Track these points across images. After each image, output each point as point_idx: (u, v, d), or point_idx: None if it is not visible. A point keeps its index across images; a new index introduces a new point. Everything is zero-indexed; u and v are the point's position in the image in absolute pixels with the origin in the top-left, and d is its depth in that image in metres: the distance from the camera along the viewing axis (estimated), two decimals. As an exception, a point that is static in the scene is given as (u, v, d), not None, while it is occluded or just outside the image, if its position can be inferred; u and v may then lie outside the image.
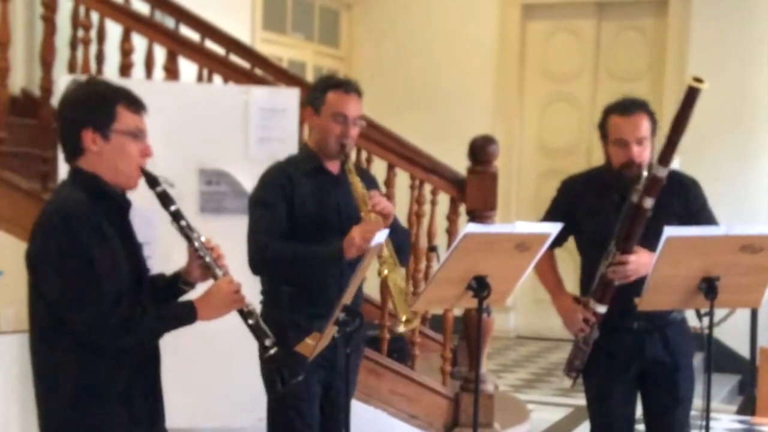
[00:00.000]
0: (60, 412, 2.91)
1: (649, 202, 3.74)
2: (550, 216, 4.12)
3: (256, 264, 3.68)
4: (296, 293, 3.71)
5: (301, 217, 3.71)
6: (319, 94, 3.80)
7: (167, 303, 3.06)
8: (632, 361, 3.94)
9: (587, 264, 3.99)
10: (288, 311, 3.69)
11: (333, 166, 3.83)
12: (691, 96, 3.66)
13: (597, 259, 3.85)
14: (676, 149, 3.73)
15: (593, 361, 3.98)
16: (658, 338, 3.93)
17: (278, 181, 3.73)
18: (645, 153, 3.84)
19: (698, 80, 3.64)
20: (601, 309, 3.87)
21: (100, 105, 2.93)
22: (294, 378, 3.15)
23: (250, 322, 3.07)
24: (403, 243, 3.91)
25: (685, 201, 3.92)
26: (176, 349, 3.21)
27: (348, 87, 3.80)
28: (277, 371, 3.12)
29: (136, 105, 2.98)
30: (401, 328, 3.76)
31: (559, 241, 4.09)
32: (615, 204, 3.86)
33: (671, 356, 3.93)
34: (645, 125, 3.85)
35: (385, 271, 3.70)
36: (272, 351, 3.07)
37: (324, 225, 3.73)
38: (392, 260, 3.71)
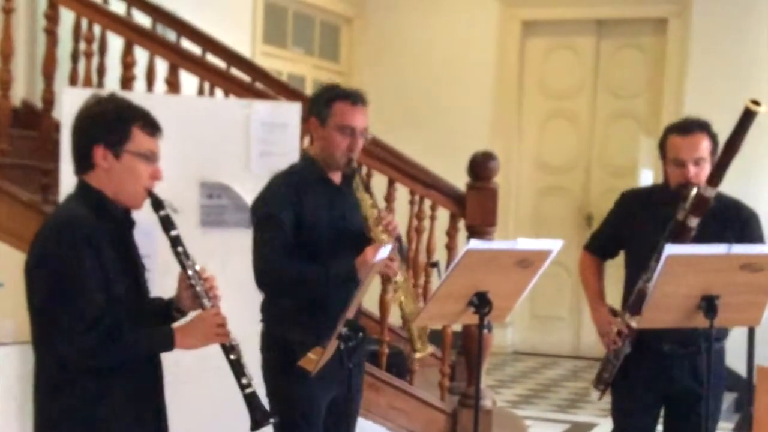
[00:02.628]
0: (55, 424, 2.90)
1: (693, 222, 3.72)
2: (603, 226, 4.17)
3: (265, 283, 3.64)
4: (298, 309, 3.69)
5: (308, 229, 3.66)
6: (324, 105, 3.72)
7: (147, 327, 3.03)
8: (658, 382, 3.93)
9: (630, 279, 3.98)
10: (290, 328, 3.68)
11: (336, 177, 3.79)
12: (747, 118, 3.62)
13: (639, 275, 3.84)
14: (726, 171, 3.70)
15: (621, 375, 3.97)
16: (687, 364, 3.89)
17: (286, 194, 3.67)
18: (702, 174, 3.79)
19: (756, 102, 3.60)
20: (635, 324, 3.84)
21: (115, 123, 2.93)
22: (266, 421, 3.09)
23: (232, 357, 3.04)
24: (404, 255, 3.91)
25: (739, 231, 3.87)
26: (174, 360, 3.20)
27: (355, 98, 3.73)
28: (250, 411, 3.07)
29: (152, 127, 2.98)
30: (418, 355, 3.75)
31: (610, 252, 4.15)
32: (664, 223, 3.82)
33: (698, 384, 3.83)
34: (704, 146, 3.80)
35: (402, 299, 3.69)
36: (247, 391, 3.04)
37: (330, 237, 3.69)
38: (407, 286, 3.69)
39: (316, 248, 3.66)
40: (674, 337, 3.80)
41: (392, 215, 3.76)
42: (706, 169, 3.81)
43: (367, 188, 3.80)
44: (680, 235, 3.72)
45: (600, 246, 4.17)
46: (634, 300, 3.84)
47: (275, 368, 3.70)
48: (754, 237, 3.90)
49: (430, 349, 3.76)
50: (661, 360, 3.91)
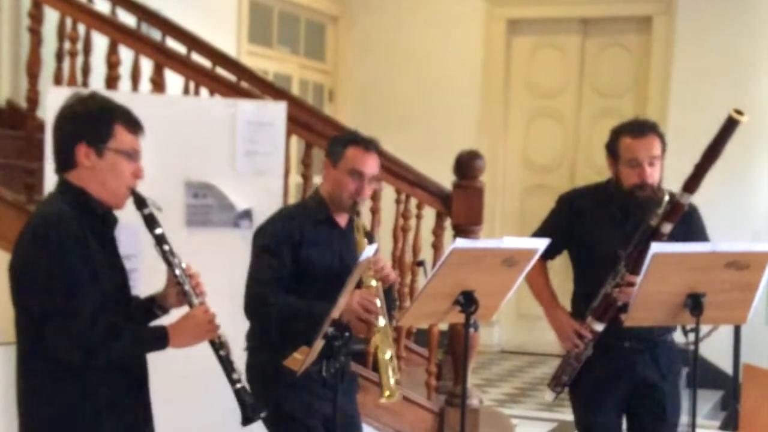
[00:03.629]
0: (40, 425, 2.89)
1: (667, 227, 3.75)
2: (546, 228, 4.11)
3: (252, 312, 3.72)
4: (284, 338, 3.66)
5: (305, 266, 3.74)
6: (340, 148, 3.83)
7: (141, 326, 3.03)
8: (622, 379, 3.95)
9: (582, 279, 4.00)
10: (275, 356, 3.61)
11: (341, 219, 3.88)
12: (729, 127, 3.66)
13: (594, 275, 3.86)
14: (704, 178, 3.73)
15: (582, 377, 3.98)
16: (648, 358, 3.94)
17: (287, 230, 3.77)
18: (656, 174, 3.85)
19: (739, 112, 3.64)
20: (599, 327, 3.87)
21: (98, 121, 2.93)
22: (256, 415, 3.09)
23: (221, 353, 3.04)
24: (390, 308, 3.93)
25: (685, 226, 3.89)
26: (161, 363, 3.19)
27: (368, 145, 3.84)
28: (241, 407, 3.07)
29: (134, 125, 2.98)
30: (382, 401, 3.74)
31: (552, 253, 4.08)
32: (617, 222, 3.88)
33: (661, 377, 3.95)
34: (657, 146, 3.88)
35: (377, 343, 3.70)
36: (237, 386, 3.05)
37: (326, 276, 3.75)
38: (386, 331, 3.70)
39: (311, 286, 3.72)
40: (632, 334, 3.81)
41: (384, 262, 3.78)
42: (659, 170, 3.87)
43: (367, 235, 3.85)
44: (653, 240, 3.71)
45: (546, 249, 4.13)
46: (600, 303, 3.85)
47: (266, 391, 3.69)
48: (697, 228, 3.97)
49: (398, 395, 3.76)
50: (624, 357, 3.93)
